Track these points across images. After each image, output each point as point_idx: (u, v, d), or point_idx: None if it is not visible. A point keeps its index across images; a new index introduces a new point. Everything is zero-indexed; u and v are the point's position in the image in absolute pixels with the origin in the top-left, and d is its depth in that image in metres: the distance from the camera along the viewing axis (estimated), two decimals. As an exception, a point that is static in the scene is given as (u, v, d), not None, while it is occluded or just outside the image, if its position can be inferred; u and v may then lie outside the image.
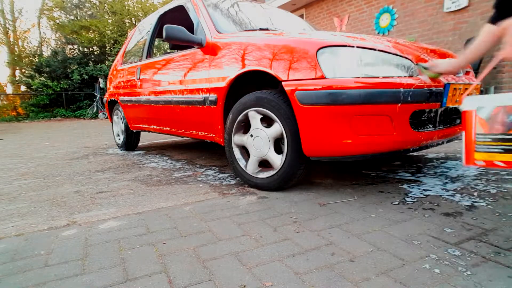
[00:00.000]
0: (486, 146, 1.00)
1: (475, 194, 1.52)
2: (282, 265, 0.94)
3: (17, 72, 17.16)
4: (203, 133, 2.20)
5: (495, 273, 0.86)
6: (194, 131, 2.30)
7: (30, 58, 15.95)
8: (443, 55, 1.78)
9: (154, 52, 3.14)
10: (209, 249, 1.06)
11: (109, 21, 15.70)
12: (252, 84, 1.86)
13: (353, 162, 2.27)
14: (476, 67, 3.65)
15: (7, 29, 18.01)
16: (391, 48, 1.53)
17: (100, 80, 12.09)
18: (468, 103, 1.04)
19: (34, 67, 14.31)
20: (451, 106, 1.60)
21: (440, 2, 4.27)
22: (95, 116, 12.20)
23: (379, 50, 1.48)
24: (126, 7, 16.10)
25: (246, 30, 2.12)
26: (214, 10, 2.28)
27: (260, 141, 1.67)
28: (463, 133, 1.05)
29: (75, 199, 1.73)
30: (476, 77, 2.39)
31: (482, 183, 1.68)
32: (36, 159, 3.20)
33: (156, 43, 3.70)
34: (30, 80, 13.62)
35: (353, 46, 1.45)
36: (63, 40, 15.38)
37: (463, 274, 0.86)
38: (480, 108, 1.01)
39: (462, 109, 1.05)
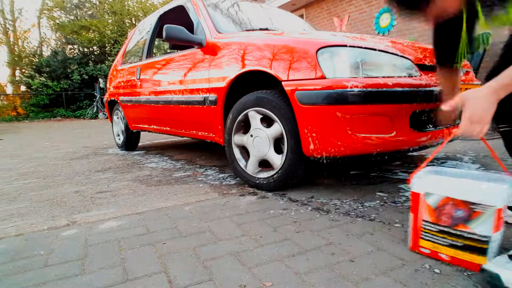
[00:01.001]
0: (431, 236, 0.94)
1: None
2: (282, 265, 0.94)
3: (17, 72, 17.16)
4: (203, 133, 2.20)
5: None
6: (194, 131, 2.30)
7: (30, 58, 15.95)
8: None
9: (154, 52, 3.14)
10: (209, 249, 1.06)
11: (109, 21, 15.71)
12: (252, 84, 1.86)
13: (353, 162, 2.27)
14: (476, 67, 3.65)
15: (7, 29, 18.02)
16: (391, 48, 1.53)
17: (100, 80, 12.09)
18: (417, 185, 0.96)
19: (34, 67, 14.32)
20: (451, 106, 1.60)
21: (440, 2, 4.28)
22: (95, 116, 12.21)
23: (379, 50, 1.48)
24: (126, 7, 16.11)
25: (246, 30, 2.12)
26: (214, 10, 2.28)
27: (260, 141, 1.67)
28: (411, 214, 0.98)
29: (75, 199, 1.73)
30: (476, 77, 2.39)
31: (482, 183, 1.67)
32: (36, 159, 3.20)
33: (156, 43, 3.70)
34: (30, 80, 13.62)
35: (353, 46, 1.45)
36: (63, 40, 15.39)
37: (463, 274, 0.86)
38: (428, 194, 0.94)
39: (411, 190, 0.98)
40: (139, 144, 3.63)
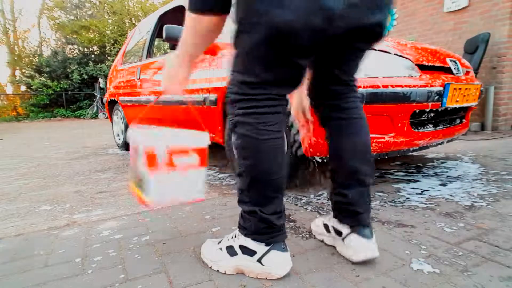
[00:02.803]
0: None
1: (475, 194, 1.51)
2: (282, 265, 0.94)
3: (17, 72, 17.16)
4: (203, 133, 2.19)
5: (495, 273, 0.86)
6: (194, 131, 2.29)
7: (30, 58, 15.95)
8: (442, 55, 1.78)
9: (154, 52, 3.14)
10: (209, 249, 1.06)
11: (109, 21, 15.70)
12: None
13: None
14: (476, 67, 3.65)
15: (7, 29, 18.01)
16: (391, 48, 1.53)
17: (100, 80, 12.08)
18: (129, 137, 1.08)
19: (34, 67, 14.31)
20: (451, 106, 1.60)
21: (440, 2, 4.27)
22: (95, 116, 12.20)
23: (379, 50, 1.48)
24: (126, 7, 16.10)
25: (246, 30, 2.11)
26: (214, 10, 2.27)
27: (260, 141, 1.67)
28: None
29: (75, 199, 1.73)
30: (476, 77, 2.39)
31: (482, 183, 1.67)
32: (36, 159, 3.20)
33: (156, 43, 3.70)
34: (30, 80, 13.61)
35: (353, 46, 1.45)
36: (63, 40, 15.37)
37: (463, 274, 0.86)
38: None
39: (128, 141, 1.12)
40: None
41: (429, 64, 1.61)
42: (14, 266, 1.01)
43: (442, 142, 1.83)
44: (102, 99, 10.87)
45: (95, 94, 12.30)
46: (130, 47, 3.46)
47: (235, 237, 0.92)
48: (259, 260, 0.86)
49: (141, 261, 1.00)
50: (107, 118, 10.41)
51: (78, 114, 13.31)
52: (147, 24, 3.16)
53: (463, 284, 0.82)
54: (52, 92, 13.42)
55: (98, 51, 15.00)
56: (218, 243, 0.96)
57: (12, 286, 0.90)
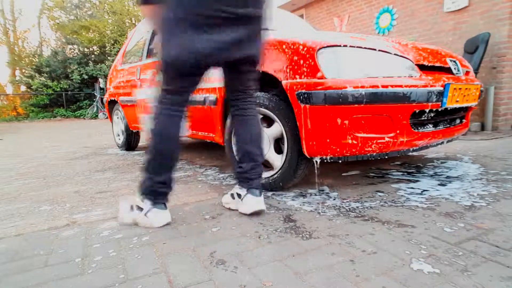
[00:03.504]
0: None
1: (475, 194, 1.52)
2: (282, 265, 0.94)
3: (17, 72, 17.16)
4: (203, 133, 2.20)
5: (495, 273, 0.86)
6: (194, 131, 2.30)
7: (30, 58, 15.96)
8: (442, 55, 1.78)
9: (154, 52, 3.13)
10: (209, 249, 1.06)
11: (109, 21, 15.71)
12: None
13: (353, 162, 2.27)
14: (476, 67, 3.65)
15: (7, 29, 18.02)
16: (391, 48, 1.53)
17: (100, 80, 12.08)
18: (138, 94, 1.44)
19: (34, 67, 14.32)
20: (451, 106, 1.60)
21: (440, 2, 4.27)
22: (95, 116, 12.20)
23: (379, 50, 1.48)
24: (126, 7, 16.10)
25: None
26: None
27: (260, 141, 1.67)
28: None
29: (75, 199, 1.73)
30: (476, 77, 2.39)
31: (482, 183, 1.67)
32: (36, 159, 3.20)
33: (156, 43, 3.69)
34: (30, 80, 13.62)
35: (353, 46, 1.45)
36: (63, 40, 15.37)
37: (463, 274, 0.86)
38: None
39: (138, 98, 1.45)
40: (139, 144, 3.63)
41: (429, 64, 1.61)
42: (14, 266, 1.01)
43: (442, 142, 1.83)
44: (102, 99, 10.88)
45: (95, 94, 12.31)
46: (130, 47, 3.46)
47: (136, 198, 1.30)
48: (145, 214, 1.26)
49: (141, 261, 1.00)
50: (107, 118, 10.41)
51: (78, 114, 13.31)
52: (147, 24, 3.16)
53: (463, 284, 0.82)
54: (52, 92, 13.42)
55: (98, 51, 15.01)
56: (128, 205, 1.33)
57: (12, 286, 0.90)
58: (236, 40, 1.20)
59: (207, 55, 1.16)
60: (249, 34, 1.23)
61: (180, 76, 1.21)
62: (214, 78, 1.93)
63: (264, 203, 1.36)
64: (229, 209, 1.43)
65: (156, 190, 1.26)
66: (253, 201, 1.32)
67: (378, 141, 1.44)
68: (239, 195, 1.38)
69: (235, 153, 1.44)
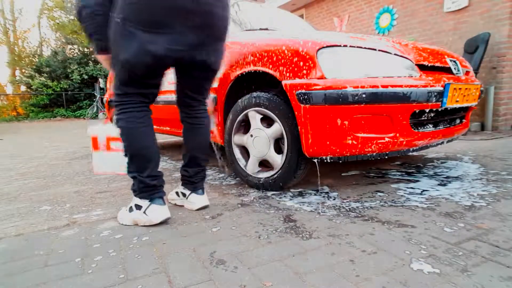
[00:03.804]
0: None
1: (475, 194, 1.52)
2: (282, 265, 0.94)
3: (17, 72, 17.16)
4: (203, 133, 2.20)
5: (495, 273, 0.86)
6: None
7: (30, 58, 15.97)
8: (443, 55, 1.78)
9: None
10: (209, 249, 1.06)
11: (109, 21, 15.67)
12: (252, 84, 1.86)
13: (353, 162, 2.27)
14: (476, 67, 3.65)
15: (7, 29, 18.02)
16: (391, 48, 1.53)
17: (100, 80, 12.08)
18: (91, 130, 1.63)
19: (34, 67, 14.32)
20: (451, 106, 1.60)
21: (440, 2, 4.27)
22: (95, 116, 12.20)
23: (379, 50, 1.48)
24: (126, 7, 16.07)
25: (246, 30, 2.12)
26: (214, 10, 2.27)
27: (260, 141, 1.67)
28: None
29: (75, 199, 1.73)
30: (476, 77, 2.39)
31: (482, 183, 1.67)
32: (36, 159, 3.20)
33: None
34: (30, 80, 13.62)
35: (353, 46, 1.45)
36: (63, 40, 15.38)
37: (463, 274, 0.86)
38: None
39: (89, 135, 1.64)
40: (139, 144, 3.62)
41: (429, 64, 1.61)
42: (14, 266, 1.01)
43: (442, 142, 1.83)
44: (102, 99, 10.87)
45: (95, 94, 12.30)
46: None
47: (133, 199, 1.31)
48: (144, 212, 1.26)
49: (141, 261, 1.00)
50: (107, 118, 10.41)
51: (78, 114, 13.31)
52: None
53: (463, 284, 0.82)
54: (52, 92, 13.43)
55: (98, 51, 14.99)
56: (127, 208, 1.33)
57: (12, 286, 0.90)
58: (191, 42, 1.18)
59: (162, 57, 1.15)
60: (205, 39, 1.21)
61: (135, 78, 1.20)
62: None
63: (267, 205, 1.35)
64: (175, 205, 1.53)
65: (148, 185, 1.26)
66: (197, 199, 1.44)
67: (378, 141, 1.44)
68: (184, 194, 1.48)
69: (182, 156, 1.46)
